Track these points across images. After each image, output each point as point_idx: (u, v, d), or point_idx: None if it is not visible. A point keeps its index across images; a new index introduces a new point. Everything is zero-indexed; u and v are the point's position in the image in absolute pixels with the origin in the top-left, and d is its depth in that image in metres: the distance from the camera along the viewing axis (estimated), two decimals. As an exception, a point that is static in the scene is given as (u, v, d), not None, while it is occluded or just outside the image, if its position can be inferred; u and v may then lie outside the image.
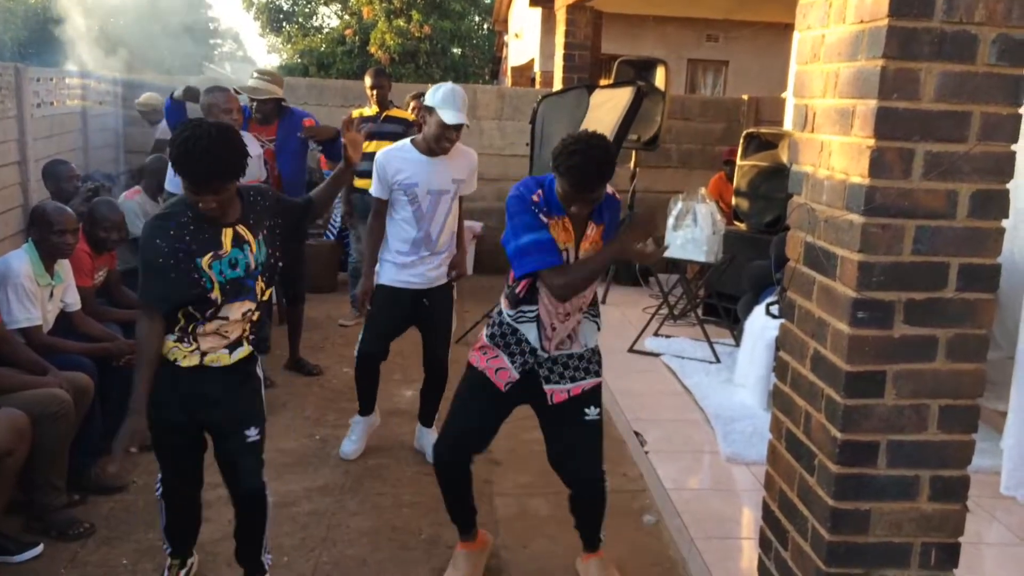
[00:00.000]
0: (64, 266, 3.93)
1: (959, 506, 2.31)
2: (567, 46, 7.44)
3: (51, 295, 3.84)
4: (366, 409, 4.28)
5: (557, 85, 7.71)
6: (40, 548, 3.26)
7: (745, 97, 8.97)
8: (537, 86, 12.40)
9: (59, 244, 3.76)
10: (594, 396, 3.02)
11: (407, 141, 3.95)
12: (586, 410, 2.98)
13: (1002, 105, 2.11)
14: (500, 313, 3.03)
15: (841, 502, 2.28)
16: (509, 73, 16.72)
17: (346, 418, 4.69)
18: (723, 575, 3.10)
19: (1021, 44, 2.08)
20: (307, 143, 5.39)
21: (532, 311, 2.92)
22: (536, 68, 12.85)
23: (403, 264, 3.95)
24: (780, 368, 2.63)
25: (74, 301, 3.99)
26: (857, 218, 2.16)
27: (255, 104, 5.22)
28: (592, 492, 3.07)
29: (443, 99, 3.73)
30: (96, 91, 7.75)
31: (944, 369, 2.23)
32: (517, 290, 2.91)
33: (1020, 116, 2.12)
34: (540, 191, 2.81)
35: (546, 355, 2.97)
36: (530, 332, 2.95)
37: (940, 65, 2.08)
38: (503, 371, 2.99)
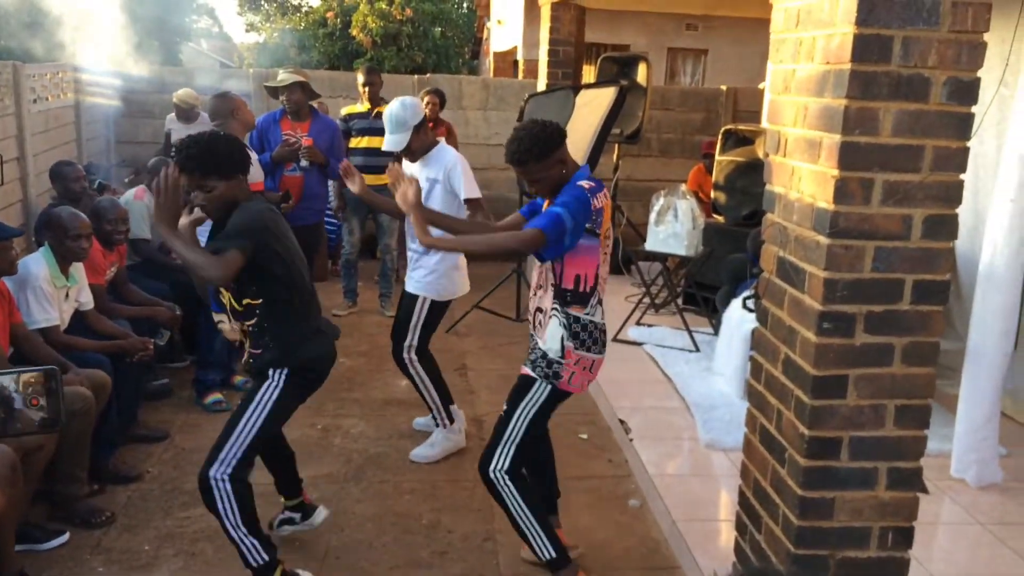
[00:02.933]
0: (78, 268, 4.12)
1: (913, 494, 2.59)
2: (551, 42, 7.63)
3: (67, 296, 4.04)
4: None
5: (542, 79, 7.92)
6: (66, 536, 3.48)
7: (724, 88, 9.20)
8: (520, 75, 12.57)
9: (74, 248, 3.95)
10: (515, 390, 3.14)
11: None
12: (505, 404, 3.16)
13: (952, 140, 2.35)
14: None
15: (808, 491, 2.54)
16: (491, 57, 16.84)
17: (346, 407, 4.93)
18: (702, 554, 3.37)
19: (969, 85, 2.33)
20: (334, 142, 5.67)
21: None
22: (519, 56, 13.01)
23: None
24: (755, 369, 2.89)
25: (88, 300, 4.19)
26: (823, 239, 2.41)
27: (284, 97, 5.45)
28: (486, 484, 3.16)
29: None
30: (88, 84, 7.87)
31: (900, 373, 2.49)
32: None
33: (968, 149, 2.37)
34: None
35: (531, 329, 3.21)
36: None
37: (897, 104, 2.32)
38: None
